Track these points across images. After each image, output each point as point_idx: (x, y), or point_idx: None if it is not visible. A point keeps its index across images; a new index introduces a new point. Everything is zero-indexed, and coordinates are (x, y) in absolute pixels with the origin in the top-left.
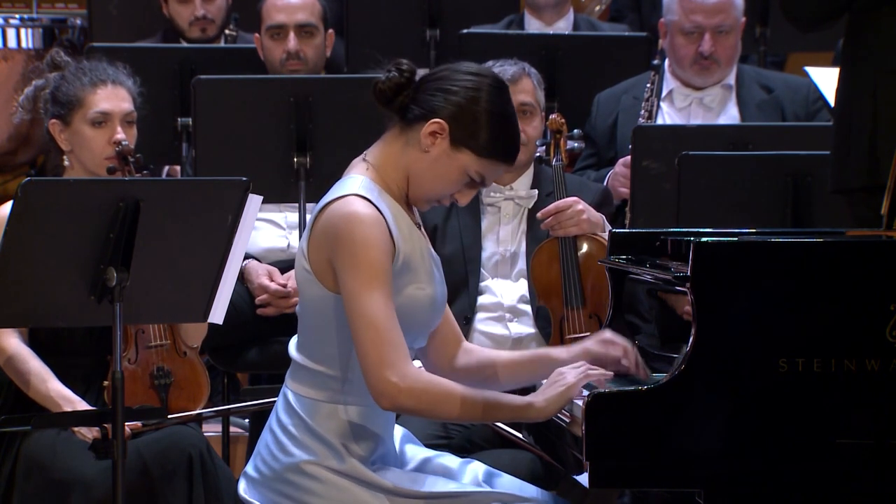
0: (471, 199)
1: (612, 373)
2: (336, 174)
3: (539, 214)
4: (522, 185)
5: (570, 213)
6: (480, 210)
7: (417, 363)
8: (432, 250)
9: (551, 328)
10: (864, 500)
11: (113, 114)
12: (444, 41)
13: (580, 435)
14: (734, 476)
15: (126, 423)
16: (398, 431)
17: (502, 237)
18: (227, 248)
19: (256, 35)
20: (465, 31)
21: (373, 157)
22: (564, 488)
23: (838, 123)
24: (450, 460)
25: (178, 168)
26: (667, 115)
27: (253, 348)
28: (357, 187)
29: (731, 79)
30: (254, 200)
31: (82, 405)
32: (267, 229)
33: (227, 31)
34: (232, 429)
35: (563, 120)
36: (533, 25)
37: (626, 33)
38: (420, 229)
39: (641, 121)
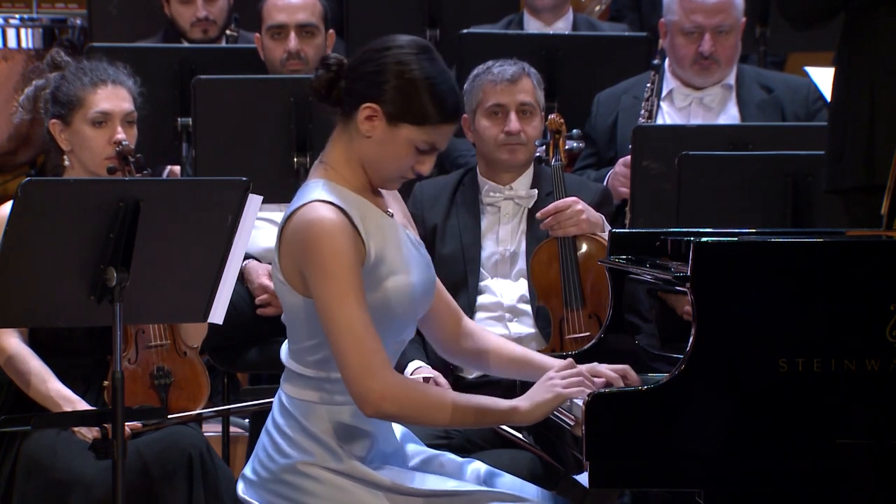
0: (432, 166)
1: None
2: None
3: (538, 214)
4: (522, 185)
5: (570, 213)
6: (480, 210)
7: (418, 363)
8: (412, 235)
9: (551, 328)
10: (864, 500)
11: (113, 114)
12: (444, 41)
13: (580, 435)
14: (734, 476)
15: (126, 423)
16: (399, 430)
17: (502, 237)
18: (227, 248)
19: (257, 35)
20: (465, 31)
21: (328, 157)
22: (564, 488)
23: (833, 123)
24: (450, 460)
25: (178, 168)
26: (667, 115)
27: (253, 348)
28: (318, 192)
29: (731, 79)
30: (254, 200)
31: (82, 405)
32: (267, 229)
33: (228, 32)
34: (232, 429)
35: (562, 120)
36: (533, 25)
37: (626, 33)
38: (392, 216)
39: (641, 121)
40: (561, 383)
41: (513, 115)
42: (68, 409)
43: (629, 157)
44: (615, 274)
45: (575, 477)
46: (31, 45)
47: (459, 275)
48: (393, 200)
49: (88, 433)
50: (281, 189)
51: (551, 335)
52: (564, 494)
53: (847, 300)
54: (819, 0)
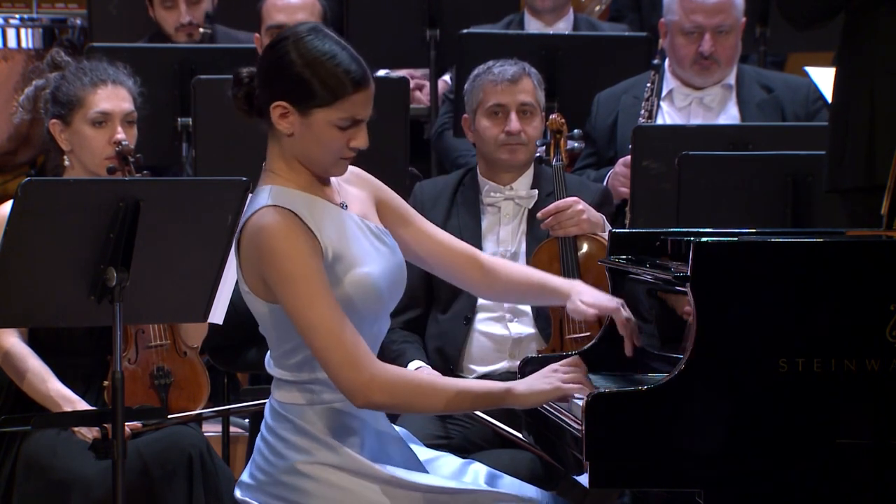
0: (366, 138)
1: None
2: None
3: (539, 214)
4: (522, 185)
5: (570, 213)
6: (480, 210)
7: (418, 363)
8: (371, 223)
9: (551, 328)
10: (864, 500)
11: (113, 114)
12: (444, 41)
13: (580, 435)
14: (734, 476)
15: (126, 423)
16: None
17: (502, 237)
18: (227, 248)
19: (256, 35)
20: (465, 31)
21: (269, 164)
22: (564, 488)
23: (834, 123)
24: (451, 461)
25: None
26: (667, 115)
27: (253, 348)
28: (266, 198)
29: (732, 79)
30: None
31: (82, 405)
32: None
33: (202, 29)
34: (232, 429)
35: (563, 120)
36: (533, 25)
37: (626, 33)
38: (346, 209)
39: (641, 120)
40: (563, 377)
41: (513, 116)
42: (68, 409)
43: (629, 157)
44: (615, 274)
45: (575, 477)
46: (31, 45)
47: None
48: (354, 188)
49: (88, 433)
50: None
51: (551, 335)
52: (564, 494)
53: (847, 300)
54: (819, 0)
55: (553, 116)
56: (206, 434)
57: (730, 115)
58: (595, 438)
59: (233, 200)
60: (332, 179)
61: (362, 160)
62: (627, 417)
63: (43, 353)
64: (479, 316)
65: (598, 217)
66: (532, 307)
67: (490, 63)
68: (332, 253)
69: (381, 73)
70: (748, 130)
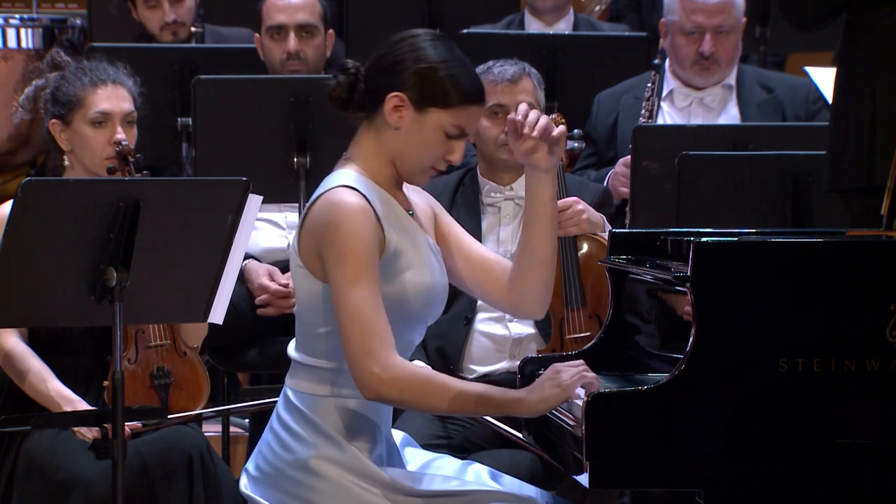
0: (463, 154)
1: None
2: None
3: None
4: (522, 185)
5: (570, 213)
6: (480, 210)
7: (419, 363)
8: (430, 239)
9: (551, 328)
10: (864, 500)
11: (113, 114)
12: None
13: (580, 435)
14: (734, 476)
15: (126, 423)
16: (398, 436)
17: (502, 237)
18: (227, 248)
19: (256, 35)
20: (465, 31)
21: (354, 154)
22: (564, 488)
23: (835, 123)
24: (450, 462)
25: None
26: (667, 115)
27: (253, 348)
28: (346, 179)
29: (732, 79)
30: (254, 200)
31: (82, 405)
32: (267, 229)
33: (193, 29)
34: (232, 429)
35: (562, 120)
36: (533, 25)
37: (626, 33)
38: (413, 216)
39: (642, 120)
40: (569, 380)
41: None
42: (68, 409)
43: (629, 157)
44: (615, 274)
45: (575, 477)
46: (31, 45)
47: None
48: (419, 200)
49: (88, 433)
50: (281, 189)
51: (551, 335)
52: (564, 494)
53: (847, 300)
54: (821, 1)
55: (553, 116)
56: (206, 434)
57: (730, 116)
58: (595, 438)
59: (233, 200)
60: (404, 186)
61: None
62: (627, 417)
63: (43, 353)
64: (479, 316)
65: (598, 217)
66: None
67: (490, 63)
68: (394, 247)
69: None
70: (748, 130)
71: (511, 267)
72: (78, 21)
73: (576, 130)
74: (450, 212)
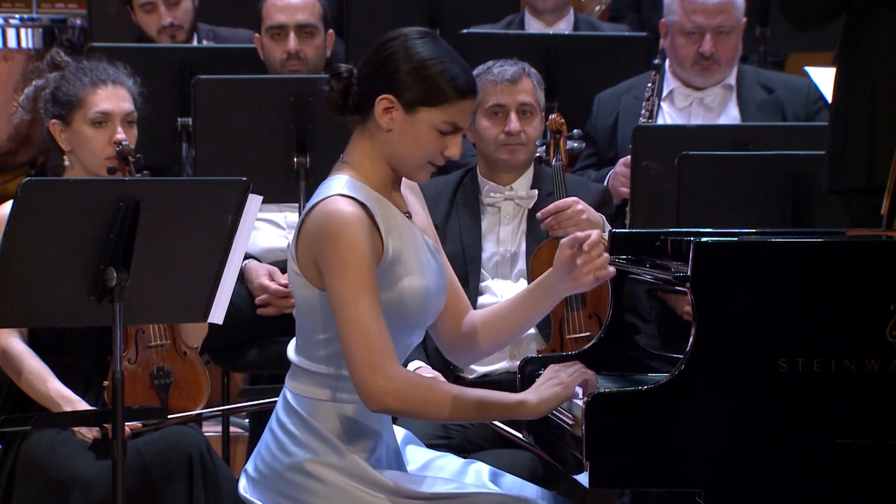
0: (460, 148)
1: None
2: None
3: (539, 214)
4: (522, 186)
5: (570, 213)
6: (480, 210)
7: (418, 363)
8: (428, 239)
9: (551, 328)
10: (864, 500)
11: (113, 114)
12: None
13: (580, 435)
14: (734, 476)
15: (126, 423)
16: (399, 433)
17: (502, 237)
18: (227, 248)
19: (256, 35)
20: (465, 31)
21: (349, 157)
22: (564, 488)
23: (835, 123)
24: (452, 461)
25: None
26: (667, 115)
27: (253, 348)
28: (341, 187)
29: (732, 79)
30: (254, 200)
31: (82, 405)
32: (267, 229)
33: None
34: (232, 429)
35: (562, 120)
36: (533, 25)
37: (626, 33)
38: (411, 218)
39: (642, 120)
40: (568, 380)
41: (513, 116)
42: (68, 409)
43: (629, 157)
44: (615, 274)
45: (575, 477)
46: (31, 45)
47: (460, 275)
48: (415, 201)
49: (88, 433)
50: (281, 189)
51: (551, 335)
52: (564, 494)
53: (847, 300)
54: (821, 1)
55: (552, 116)
56: (206, 434)
57: (730, 116)
58: (595, 438)
59: (233, 200)
60: (403, 188)
61: None
62: (627, 417)
63: (43, 353)
64: None
65: (598, 217)
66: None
67: (490, 63)
68: (392, 253)
69: None
70: (748, 130)
71: (474, 315)
72: (78, 21)
73: (575, 130)
74: (449, 212)
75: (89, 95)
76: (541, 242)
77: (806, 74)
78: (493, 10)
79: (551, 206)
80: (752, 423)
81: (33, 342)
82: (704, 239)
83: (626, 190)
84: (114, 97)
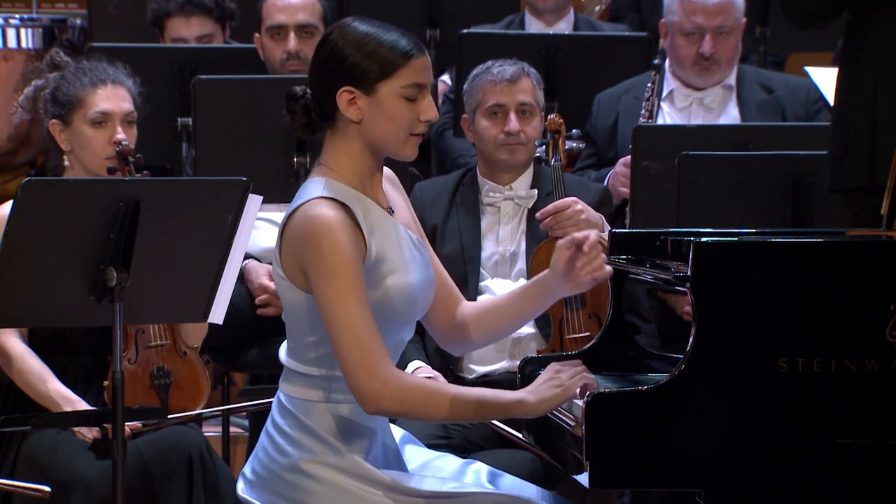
0: (436, 110)
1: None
2: None
3: (538, 214)
4: (522, 185)
5: (569, 214)
6: (480, 210)
7: (418, 363)
8: (412, 234)
9: (551, 328)
10: (864, 500)
11: (113, 114)
12: (444, 41)
13: (580, 435)
14: (734, 476)
15: (126, 423)
16: (398, 433)
17: (502, 237)
18: (227, 248)
19: (256, 35)
20: (465, 31)
21: (325, 160)
22: (564, 488)
23: (837, 123)
24: (450, 461)
25: None
26: (667, 116)
27: (253, 348)
28: (321, 189)
29: (732, 79)
30: (254, 200)
31: (82, 405)
32: (267, 229)
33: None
34: (232, 429)
35: (561, 120)
36: (533, 26)
37: (626, 33)
38: (392, 213)
39: (642, 121)
40: (568, 380)
41: (512, 116)
42: (68, 409)
43: (629, 158)
44: (615, 274)
45: (575, 477)
46: (31, 45)
47: (459, 275)
48: (397, 196)
49: (88, 433)
50: (281, 189)
51: (551, 335)
52: (564, 494)
53: (847, 300)
54: (821, 0)
55: (552, 117)
56: (206, 434)
57: (730, 116)
58: (595, 438)
59: (233, 200)
60: (384, 183)
61: None
62: (627, 417)
63: (43, 353)
64: None
65: (598, 217)
66: None
67: (489, 63)
68: (375, 253)
69: None
70: (748, 131)
71: (469, 307)
72: (78, 21)
73: (574, 130)
74: (449, 211)
75: (89, 95)
76: (540, 242)
77: (806, 74)
78: (493, 10)
79: (550, 206)
80: (753, 423)
81: (33, 342)
82: (704, 239)
83: (625, 190)
84: (113, 97)
